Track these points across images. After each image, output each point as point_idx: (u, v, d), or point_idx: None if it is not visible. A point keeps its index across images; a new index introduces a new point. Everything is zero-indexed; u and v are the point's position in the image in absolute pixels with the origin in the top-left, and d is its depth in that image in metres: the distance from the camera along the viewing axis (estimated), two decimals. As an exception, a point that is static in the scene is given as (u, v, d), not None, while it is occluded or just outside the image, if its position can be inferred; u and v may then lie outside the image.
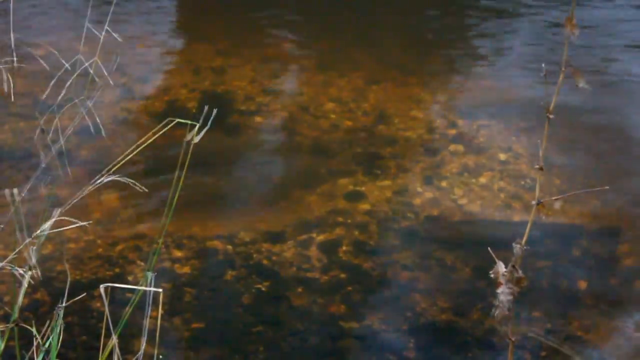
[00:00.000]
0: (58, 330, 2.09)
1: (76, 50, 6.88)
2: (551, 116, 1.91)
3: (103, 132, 2.26)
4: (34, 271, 1.88)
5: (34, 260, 1.85)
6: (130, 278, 4.31)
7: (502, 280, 1.87)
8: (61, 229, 2.09)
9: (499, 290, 1.82)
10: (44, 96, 5.90)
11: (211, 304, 4.26)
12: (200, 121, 2.01)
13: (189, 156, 2.13)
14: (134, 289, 2.09)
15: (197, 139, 2.02)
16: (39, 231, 1.98)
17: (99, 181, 2.10)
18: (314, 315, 4.21)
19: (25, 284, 1.90)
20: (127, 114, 5.75)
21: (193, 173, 5.12)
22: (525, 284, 1.84)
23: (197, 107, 5.87)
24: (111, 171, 2.17)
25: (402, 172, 5.27)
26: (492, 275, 1.86)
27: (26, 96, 5.80)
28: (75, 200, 2.18)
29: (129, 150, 2.20)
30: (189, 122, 2.02)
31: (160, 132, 2.27)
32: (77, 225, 2.01)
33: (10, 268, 1.98)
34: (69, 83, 2.31)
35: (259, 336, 4.07)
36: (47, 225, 1.96)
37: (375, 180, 5.21)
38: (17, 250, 2.04)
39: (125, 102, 5.87)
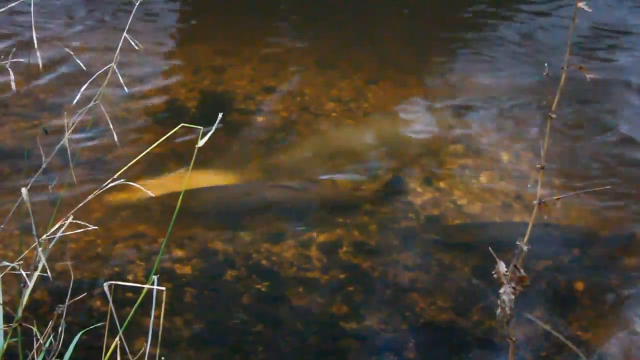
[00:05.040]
0: (60, 331, 2.09)
1: (76, 50, 6.85)
2: (553, 115, 1.91)
3: (115, 137, 2.25)
4: (47, 274, 1.88)
5: (42, 263, 1.84)
6: (130, 277, 4.31)
7: (503, 280, 1.87)
8: (68, 232, 2.08)
9: (501, 290, 1.82)
10: (45, 96, 5.91)
11: (211, 304, 4.26)
12: (213, 128, 2.01)
13: (193, 159, 2.13)
14: (136, 289, 2.08)
15: (201, 143, 2.02)
16: (46, 235, 1.98)
17: (106, 185, 2.10)
18: (314, 315, 4.21)
19: (31, 285, 1.89)
20: (126, 113, 5.75)
21: (193, 172, 5.12)
22: (527, 283, 1.84)
23: (197, 106, 5.87)
24: (118, 173, 2.17)
25: (402, 172, 5.27)
26: (494, 275, 1.86)
27: (26, 96, 5.80)
28: (76, 201, 2.18)
29: (139, 156, 2.19)
30: (196, 126, 2.02)
31: (166, 137, 2.26)
32: (84, 229, 2.01)
33: (17, 268, 1.98)
34: (82, 89, 2.30)
35: (259, 336, 4.07)
36: (61, 228, 1.96)
37: (376, 180, 5.21)
38: (25, 252, 2.04)
39: (125, 102, 5.87)
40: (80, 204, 2.09)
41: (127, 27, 2.28)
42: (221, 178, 5.21)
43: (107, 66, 2.23)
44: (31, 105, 5.71)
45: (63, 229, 1.93)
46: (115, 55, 2.24)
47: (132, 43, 2.23)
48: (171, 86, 6.16)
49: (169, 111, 5.81)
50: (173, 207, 2.22)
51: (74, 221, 2.01)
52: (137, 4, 2.40)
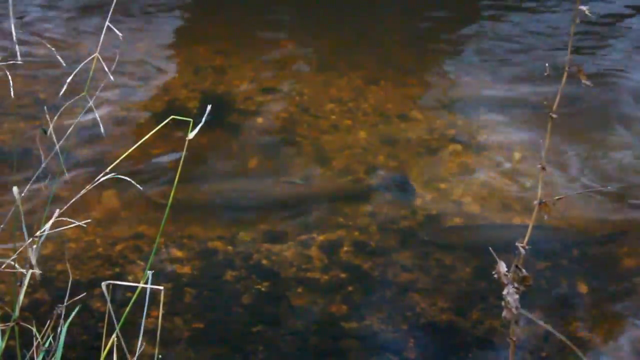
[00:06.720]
0: (60, 332, 2.08)
1: (76, 50, 6.86)
2: (554, 115, 1.91)
3: (102, 131, 2.25)
4: (35, 270, 1.88)
5: (34, 260, 1.84)
6: (130, 277, 4.31)
7: (504, 280, 1.86)
8: (61, 228, 2.08)
9: (505, 292, 1.81)
10: (44, 96, 5.90)
11: (211, 304, 4.25)
12: (203, 120, 2.00)
13: (184, 152, 2.13)
14: (134, 289, 2.08)
15: (191, 135, 2.02)
16: (39, 232, 1.97)
17: (98, 180, 2.09)
18: (314, 315, 4.21)
19: (25, 283, 1.89)
20: (126, 113, 5.75)
21: (193, 172, 5.12)
22: (530, 283, 1.83)
23: (197, 106, 5.86)
24: (111, 170, 2.17)
25: (401, 172, 5.27)
26: (495, 275, 1.85)
27: (26, 96, 5.80)
28: (75, 200, 2.18)
29: (131, 149, 2.19)
30: (186, 118, 2.01)
31: (157, 129, 2.26)
32: (76, 225, 2.00)
33: (11, 266, 1.98)
34: (69, 80, 2.30)
35: (259, 336, 4.06)
36: (47, 225, 1.96)
37: (376, 180, 5.21)
38: (19, 250, 2.04)
39: (125, 102, 5.87)
40: (72, 200, 2.09)
41: (108, 17, 2.28)
42: (220, 178, 5.21)
43: (91, 56, 2.23)
44: (30, 105, 5.71)
45: (50, 223, 1.92)
46: (99, 44, 2.24)
47: (115, 31, 2.23)
48: (171, 86, 6.16)
49: (169, 111, 5.80)
50: (173, 206, 2.22)
51: (64, 218, 2.00)
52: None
